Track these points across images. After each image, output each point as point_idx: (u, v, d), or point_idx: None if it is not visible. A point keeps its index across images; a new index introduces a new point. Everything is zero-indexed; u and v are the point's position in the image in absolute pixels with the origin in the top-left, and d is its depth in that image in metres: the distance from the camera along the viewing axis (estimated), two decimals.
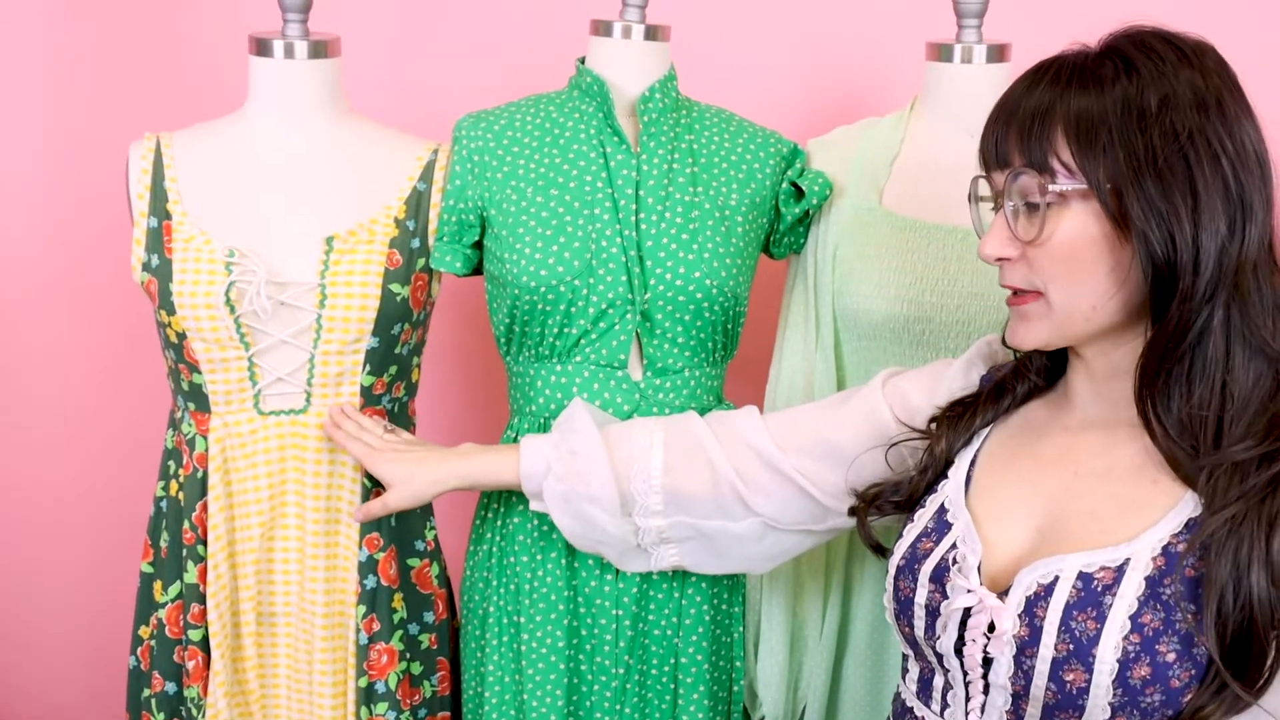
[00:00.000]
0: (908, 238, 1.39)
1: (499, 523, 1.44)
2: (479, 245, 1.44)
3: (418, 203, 1.44)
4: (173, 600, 1.45)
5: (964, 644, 0.97)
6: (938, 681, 1.02)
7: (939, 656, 1.00)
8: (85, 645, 2.14)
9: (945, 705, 1.01)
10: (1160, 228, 0.89)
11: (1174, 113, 0.91)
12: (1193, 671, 0.88)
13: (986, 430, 1.09)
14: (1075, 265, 0.94)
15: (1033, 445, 1.04)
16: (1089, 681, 0.89)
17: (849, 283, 1.41)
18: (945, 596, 0.99)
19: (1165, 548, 0.90)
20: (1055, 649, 0.91)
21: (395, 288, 1.40)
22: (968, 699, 0.98)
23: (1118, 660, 0.88)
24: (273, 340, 1.39)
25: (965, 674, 0.98)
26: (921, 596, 1.01)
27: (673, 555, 1.32)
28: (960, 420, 1.10)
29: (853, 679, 1.46)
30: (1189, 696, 0.88)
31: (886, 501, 1.14)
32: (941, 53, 1.45)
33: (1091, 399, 1.01)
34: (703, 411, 1.39)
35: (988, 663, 0.95)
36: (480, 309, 1.51)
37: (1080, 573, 0.92)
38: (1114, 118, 0.91)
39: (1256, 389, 0.91)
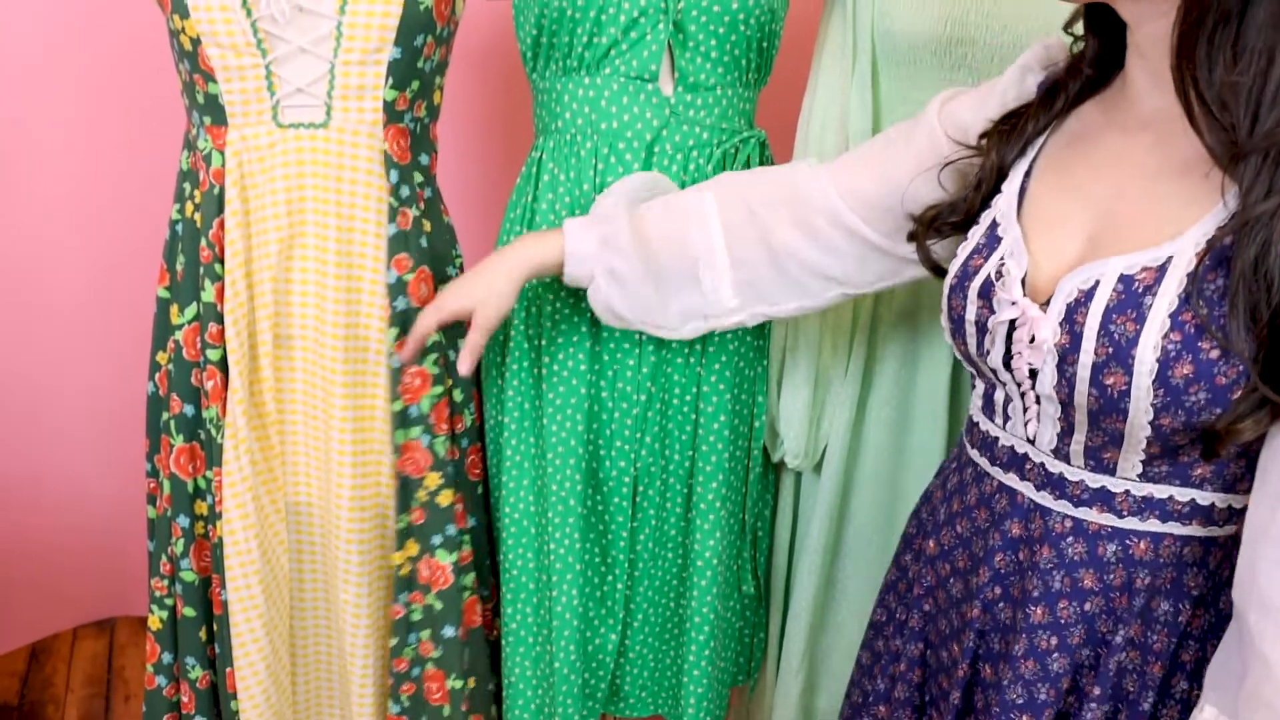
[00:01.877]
0: None
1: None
2: None
3: None
4: (189, 322, 1.43)
5: (1011, 357, 0.95)
6: (998, 396, 1.01)
7: (994, 371, 0.99)
8: (109, 429, 2.15)
9: (1007, 418, 1.01)
10: None
11: None
12: (1240, 368, 0.85)
13: (1042, 139, 1.03)
14: None
15: (1087, 150, 0.99)
16: (1129, 384, 0.87)
17: (889, 5, 1.34)
18: (993, 311, 0.96)
19: (1210, 240, 0.86)
20: (1095, 354, 0.89)
21: None
22: (1024, 410, 0.97)
23: (1157, 360, 0.86)
24: (291, 48, 1.34)
25: (1018, 386, 0.96)
26: (971, 313, 0.99)
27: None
28: (1012, 131, 1.04)
29: (876, 419, 1.44)
30: (1237, 394, 0.85)
31: (944, 223, 1.09)
32: None
33: (1149, 88, 0.94)
34: (733, 134, 1.35)
35: (1034, 374, 0.94)
36: (502, 34, 1.45)
37: (1121, 275, 0.89)
38: None
39: None
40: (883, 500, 1.44)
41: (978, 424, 1.05)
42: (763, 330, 1.43)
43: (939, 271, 1.12)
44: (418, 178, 1.43)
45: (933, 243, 1.12)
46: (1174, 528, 0.93)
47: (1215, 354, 0.85)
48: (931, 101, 1.18)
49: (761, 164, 1.42)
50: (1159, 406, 0.87)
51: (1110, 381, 0.88)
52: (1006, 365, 0.96)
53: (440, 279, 1.44)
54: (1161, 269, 0.87)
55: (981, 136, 1.08)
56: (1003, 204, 1.01)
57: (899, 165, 1.17)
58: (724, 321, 1.29)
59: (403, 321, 1.38)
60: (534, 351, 1.39)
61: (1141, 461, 0.92)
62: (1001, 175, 1.04)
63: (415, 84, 1.39)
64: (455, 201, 1.56)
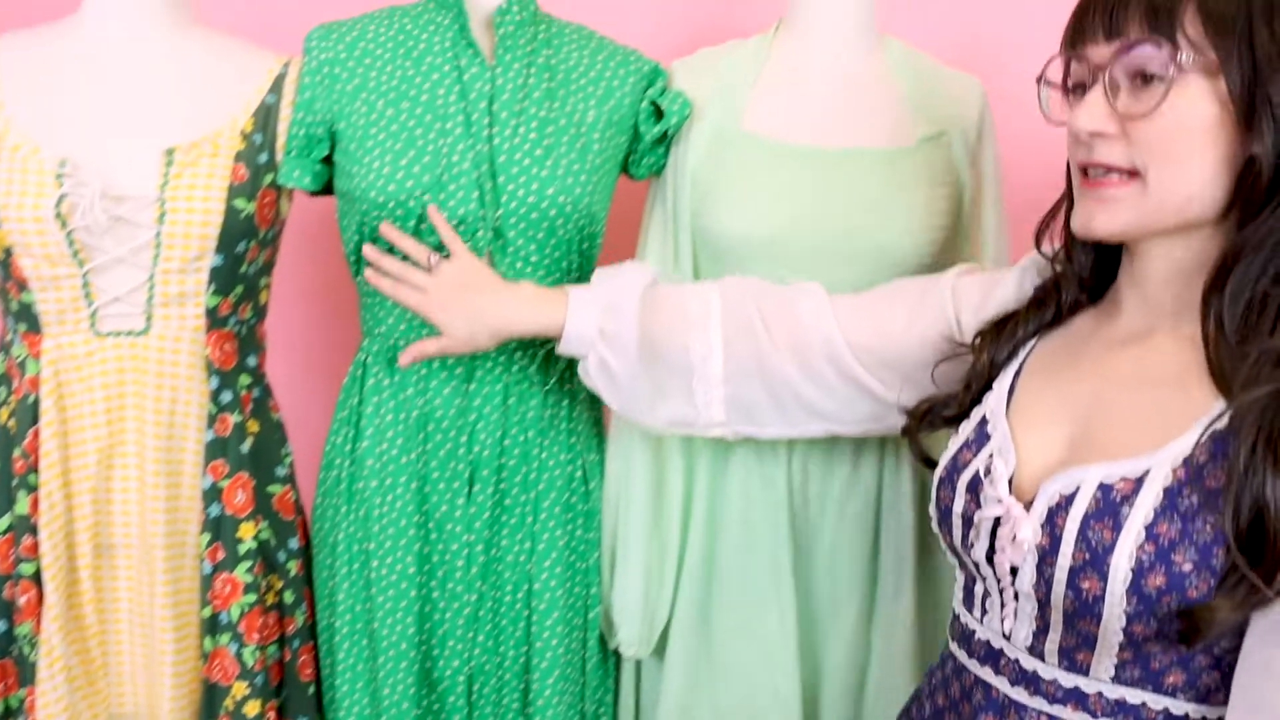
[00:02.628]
0: (766, 159, 1.38)
1: (348, 448, 1.40)
2: (329, 161, 1.39)
3: (266, 116, 1.38)
4: (2, 533, 1.38)
5: (994, 553, 0.98)
6: (978, 589, 1.03)
7: (976, 565, 1.01)
8: None
9: (985, 611, 1.02)
10: (1273, 125, 0.86)
11: None
12: (1211, 582, 0.86)
13: (1032, 341, 1.06)
14: (1184, 146, 0.90)
15: (1074, 356, 1.02)
16: (1104, 589, 0.89)
17: (706, 203, 1.39)
18: (979, 506, 0.99)
19: (1186, 459, 0.89)
20: (1073, 557, 0.91)
21: (240, 203, 1.35)
22: (1002, 606, 0.99)
23: (1131, 569, 0.88)
24: (109, 257, 1.33)
25: (999, 581, 0.98)
26: (959, 506, 1.02)
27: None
28: (1003, 332, 1.08)
29: (720, 602, 1.44)
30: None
31: (937, 417, 1.13)
32: None
33: (1137, 306, 0.99)
34: None
35: (1015, 571, 0.96)
36: (335, 228, 1.46)
37: (1100, 483, 0.91)
38: (1257, 3, 0.88)
39: None
40: (735, 687, 1.43)
41: (958, 616, 1.06)
42: (593, 521, 1.44)
43: (928, 463, 1.14)
44: (243, 380, 1.41)
45: (924, 435, 1.15)
46: None
47: (1188, 567, 0.87)
48: (947, 273, 1.22)
49: None
50: (1131, 614, 0.89)
51: (1086, 585, 0.90)
52: (989, 560, 0.98)
53: (265, 481, 1.42)
54: (1139, 481, 0.90)
55: (976, 335, 1.12)
56: (993, 401, 1.04)
57: (902, 324, 1.21)
58: (708, 433, 1.32)
59: (216, 528, 1.36)
60: (363, 554, 1.38)
61: (1114, 665, 0.92)
62: (993, 373, 1.08)
63: (239, 288, 1.39)
64: (290, 394, 1.55)
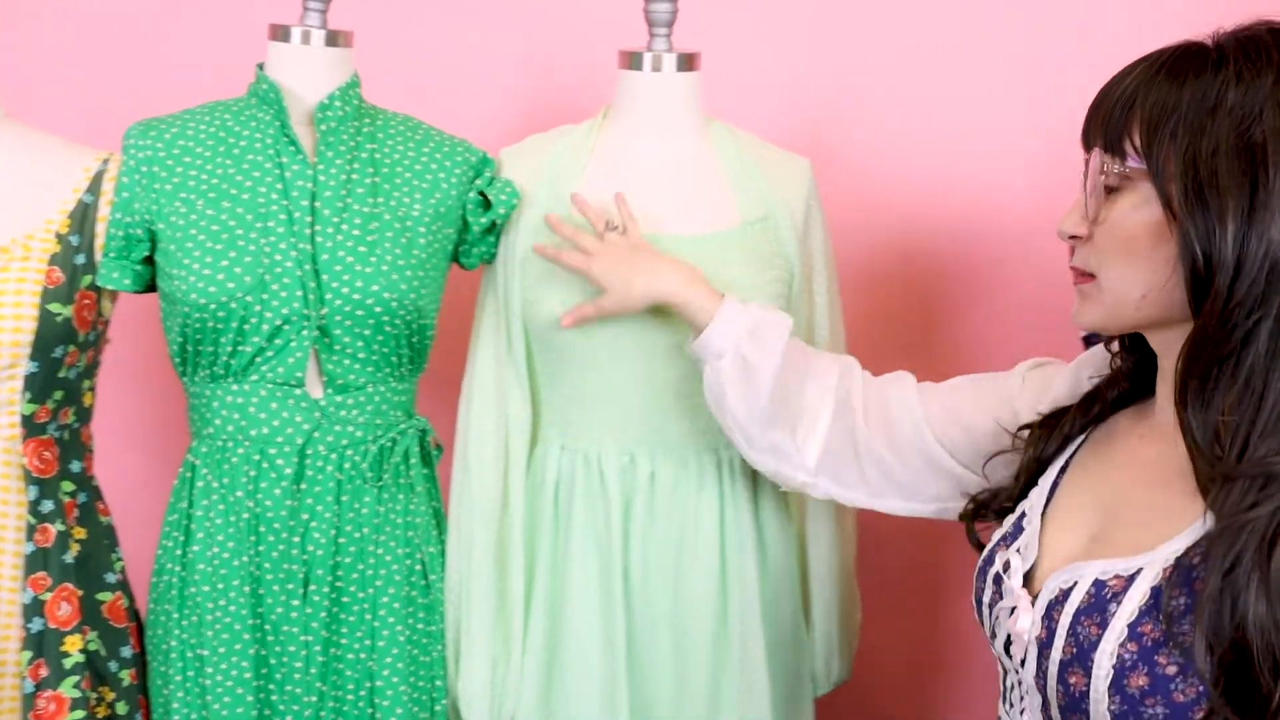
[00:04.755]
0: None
1: (179, 552, 1.37)
2: (151, 261, 1.36)
3: (83, 216, 1.35)
4: None
5: (1011, 644, 0.99)
6: (1009, 682, 1.04)
7: (998, 656, 1.03)
8: None
9: (1011, 705, 1.03)
10: (1202, 222, 0.87)
11: (1250, 110, 0.88)
12: (1200, 689, 0.85)
13: (1081, 437, 1.07)
14: (1129, 249, 0.93)
15: (1111, 452, 1.03)
16: (1088, 686, 0.90)
17: (536, 292, 1.40)
18: (1001, 598, 1.01)
19: (1179, 559, 0.88)
20: (1063, 651, 0.92)
21: (55, 307, 1.31)
22: (1021, 698, 1.00)
23: (1113, 667, 0.88)
24: None
25: (1016, 673, 1.00)
26: (987, 596, 1.03)
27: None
28: (1054, 429, 1.08)
29: (569, 688, 1.44)
30: (1199, 715, 0.86)
31: (988, 509, 1.14)
32: (632, 61, 1.46)
33: (1165, 400, 0.98)
34: (390, 427, 1.37)
35: (1024, 663, 0.97)
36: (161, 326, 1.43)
37: (1096, 579, 0.92)
38: (1187, 107, 0.90)
39: None
40: None
41: (999, 715, 1.07)
42: (435, 614, 1.43)
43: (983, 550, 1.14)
44: (67, 487, 1.37)
45: (980, 526, 1.16)
46: None
47: (1172, 670, 0.86)
48: (1023, 363, 1.27)
49: (422, 453, 1.43)
50: (1116, 713, 0.88)
51: (1073, 681, 0.91)
52: (1007, 652, 1.00)
53: (94, 589, 1.38)
54: (1130, 579, 0.90)
55: (1024, 428, 1.13)
56: (1034, 497, 1.05)
57: (970, 405, 1.25)
58: (794, 478, 1.32)
59: (38, 644, 1.32)
60: (198, 660, 1.35)
61: None
62: (1041, 469, 1.08)
63: (59, 394, 1.35)
64: (120, 496, 1.51)
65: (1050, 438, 1.08)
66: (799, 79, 1.93)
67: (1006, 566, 1.01)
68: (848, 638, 1.59)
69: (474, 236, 1.43)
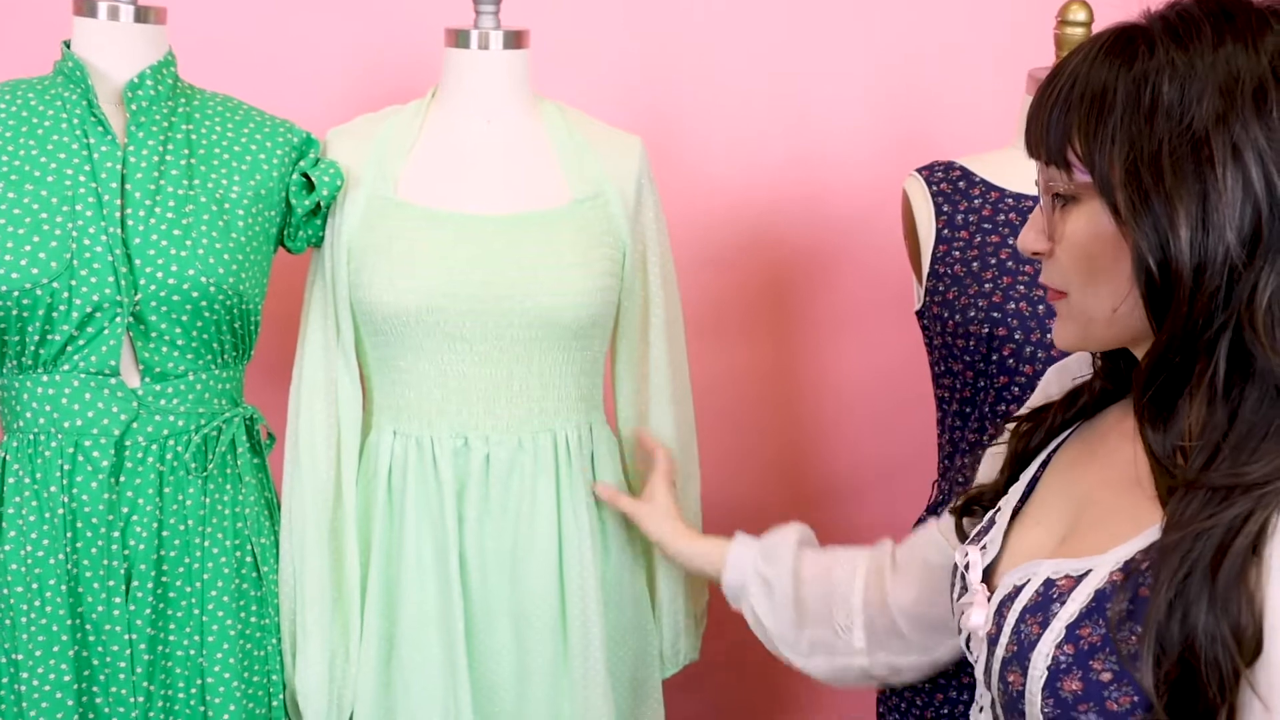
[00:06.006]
0: (419, 227, 1.37)
1: None
2: None
3: None
4: None
5: (971, 640, 0.97)
6: (977, 676, 1.01)
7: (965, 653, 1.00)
8: None
9: (982, 707, 1.00)
10: (1153, 230, 0.80)
11: (1190, 99, 0.80)
12: (1135, 699, 0.81)
13: (1066, 432, 1.02)
14: (1091, 265, 0.87)
15: (1092, 448, 0.98)
16: (1024, 686, 0.86)
17: (362, 275, 1.37)
18: (966, 592, 0.98)
19: (1127, 563, 0.84)
20: (1005, 649, 0.89)
21: None
22: (982, 695, 0.98)
23: (1048, 668, 0.85)
24: None
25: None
26: (955, 593, 1.01)
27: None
28: (1036, 425, 1.04)
29: (409, 677, 1.42)
30: None
31: (979, 504, 1.09)
32: (459, 39, 1.44)
33: None
34: (213, 416, 1.33)
35: (978, 659, 0.96)
36: None
37: (1047, 578, 0.88)
38: (1122, 102, 0.82)
39: (1263, 421, 0.81)
40: None
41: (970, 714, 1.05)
42: (268, 606, 1.39)
43: None
44: None
45: (967, 522, 1.11)
46: None
47: (1107, 676, 0.82)
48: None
49: (250, 439, 1.39)
50: (1049, 716, 0.85)
51: (1011, 679, 0.88)
52: (968, 647, 0.98)
53: None
54: (1079, 580, 0.86)
55: (1009, 420, 1.08)
56: (1012, 492, 1.01)
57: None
58: (852, 661, 1.29)
59: None
60: (12, 666, 1.29)
61: None
62: (1024, 464, 1.03)
63: None
64: None
65: (1034, 432, 1.03)
66: (635, 56, 1.94)
67: (967, 563, 0.99)
68: (696, 617, 1.60)
69: (298, 219, 1.40)
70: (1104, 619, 0.83)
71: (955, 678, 1.40)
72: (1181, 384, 0.84)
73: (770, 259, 2.03)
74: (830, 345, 2.10)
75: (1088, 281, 0.88)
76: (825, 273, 2.07)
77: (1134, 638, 0.80)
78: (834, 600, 1.30)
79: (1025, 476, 1.02)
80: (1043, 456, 1.02)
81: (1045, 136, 0.87)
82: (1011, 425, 1.07)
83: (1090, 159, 0.84)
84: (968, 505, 1.10)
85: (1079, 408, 1.01)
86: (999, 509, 1.02)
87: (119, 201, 1.28)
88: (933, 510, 1.50)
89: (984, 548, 0.99)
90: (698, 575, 1.45)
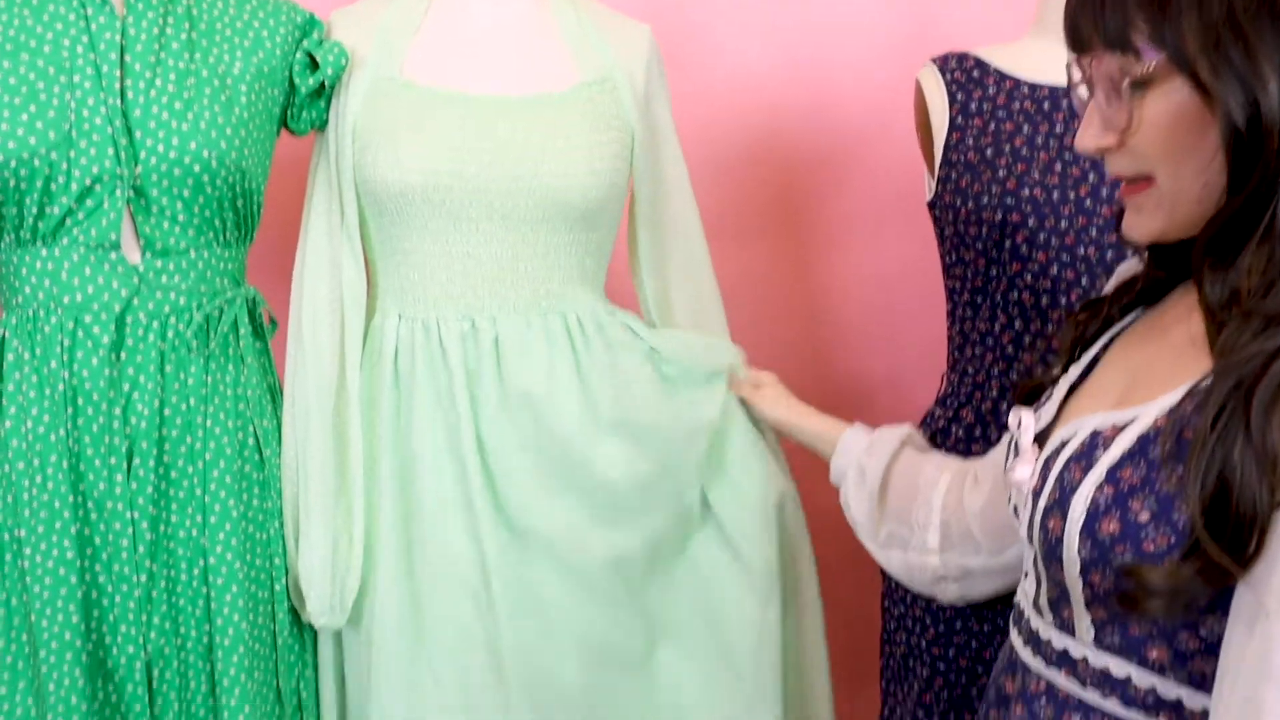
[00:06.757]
0: (425, 106, 1.35)
1: None
2: None
3: None
4: None
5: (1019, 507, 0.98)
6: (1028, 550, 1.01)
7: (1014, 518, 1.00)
8: None
9: (1026, 574, 1.01)
10: (1241, 90, 0.81)
11: None
12: (1171, 539, 0.82)
13: (1130, 317, 1.02)
14: (1179, 143, 0.86)
15: (1149, 330, 0.98)
16: (1063, 531, 0.87)
17: (366, 155, 1.35)
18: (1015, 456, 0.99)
19: (1171, 410, 0.85)
20: (1048, 497, 0.90)
21: None
22: (1030, 561, 0.98)
23: (1087, 510, 0.86)
24: None
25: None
26: (1008, 461, 1.01)
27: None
28: (1093, 314, 1.04)
29: (420, 560, 1.40)
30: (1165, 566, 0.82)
31: (1038, 390, 1.08)
32: None
33: None
34: (215, 295, 1.31)
35: (1021, 516, 0.96)
36: None
37: (1094, 430, 0.89)
38: None
39: None
40: (448, 650, 1.39)
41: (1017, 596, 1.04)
42: (270, 489, 1.38)
43: None
44: None
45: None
46: (1137, 717, 0.88)
47: (1144, 517, 0.83)
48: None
49: (252, 321, 1.38)
50: (1086, 559, 0.86)
51: (1051, 525, 0.89)
52: (1017, 514, 0.98)
53: None
54: (1123, 428, 0.87)
55: (1071, 312, 1.08)
56: (1072, 371, 1.02)
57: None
58: (925, 560, 1.29)
59: None
60: (15, 543, 1.28)
61: (1092, 624, 0.89)
62: (1084, 348, 1.03)
63: None
64: None
65: (1090, 321, 1.04)
66: None
67: (1020, 424, 0.98)
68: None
69: (302, 100, 1.38)
70: (1146, 460, 0.84)
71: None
72: (1246, 235, 0.84)
73: (780, 163, 2.01)
74: (847, 250, 2.08)
75: (1179, 161, 0.87)
76: (846, 176, 2.05)
77: (1173, 478, 0.82)
78: (916, 498, 1.31)
79: (1085, 358, 1.02)
80: (1103, 341, 1.02)
81: (1102, 23, 0.87)
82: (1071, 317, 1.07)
83: (1160, 36, 0.84)
84: (1033, 391, 1.09)
85: (1135, 294, 1.02)
86: (1056, 384, 1.03)
87: (118, 73, 1.25)
88: (942, 402, 1.49)
89: (1035, 412, 1.00)
90: (813, 453, 1.46)
